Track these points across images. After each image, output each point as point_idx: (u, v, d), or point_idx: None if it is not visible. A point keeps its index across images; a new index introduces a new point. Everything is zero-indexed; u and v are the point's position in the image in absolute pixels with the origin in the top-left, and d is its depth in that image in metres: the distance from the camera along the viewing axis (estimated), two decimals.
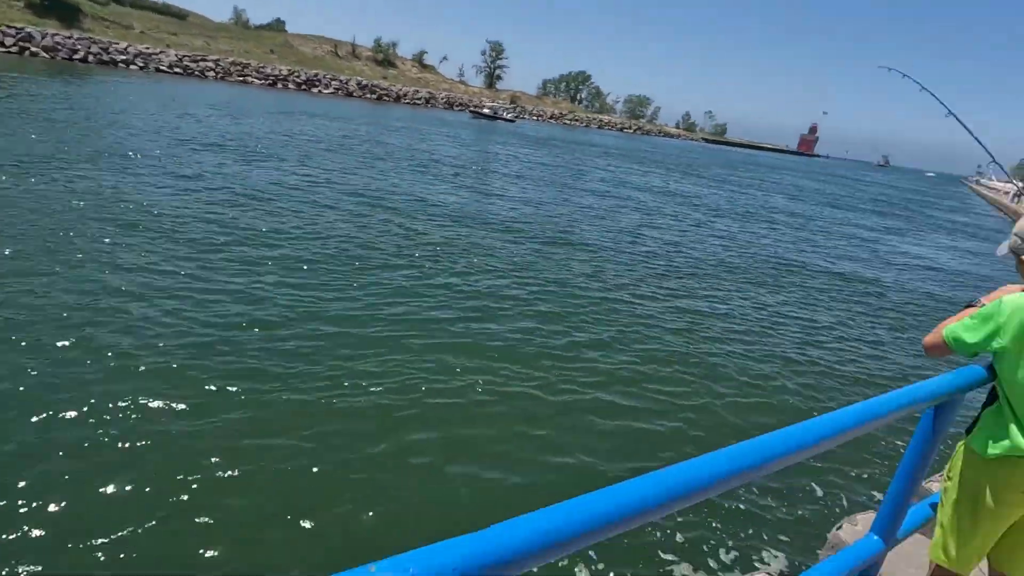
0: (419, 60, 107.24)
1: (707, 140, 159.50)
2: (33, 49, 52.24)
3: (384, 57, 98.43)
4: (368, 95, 79.82)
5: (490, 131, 56.18)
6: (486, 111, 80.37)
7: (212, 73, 65.50)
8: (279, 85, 70.88)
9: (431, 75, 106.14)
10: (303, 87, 73.27)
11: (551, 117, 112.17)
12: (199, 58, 66.55)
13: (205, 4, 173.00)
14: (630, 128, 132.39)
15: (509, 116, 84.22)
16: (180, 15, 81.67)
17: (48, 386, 4.91)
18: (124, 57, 58.24)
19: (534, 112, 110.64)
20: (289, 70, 74.85)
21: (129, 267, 7.67)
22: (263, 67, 72.22)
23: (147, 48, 62.15)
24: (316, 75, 76.74)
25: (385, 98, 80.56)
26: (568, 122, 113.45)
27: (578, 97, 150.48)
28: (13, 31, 52.72)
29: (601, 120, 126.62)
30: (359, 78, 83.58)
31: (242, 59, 72.33)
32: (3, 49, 50.62)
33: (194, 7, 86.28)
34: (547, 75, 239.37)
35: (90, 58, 55.31)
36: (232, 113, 31.38)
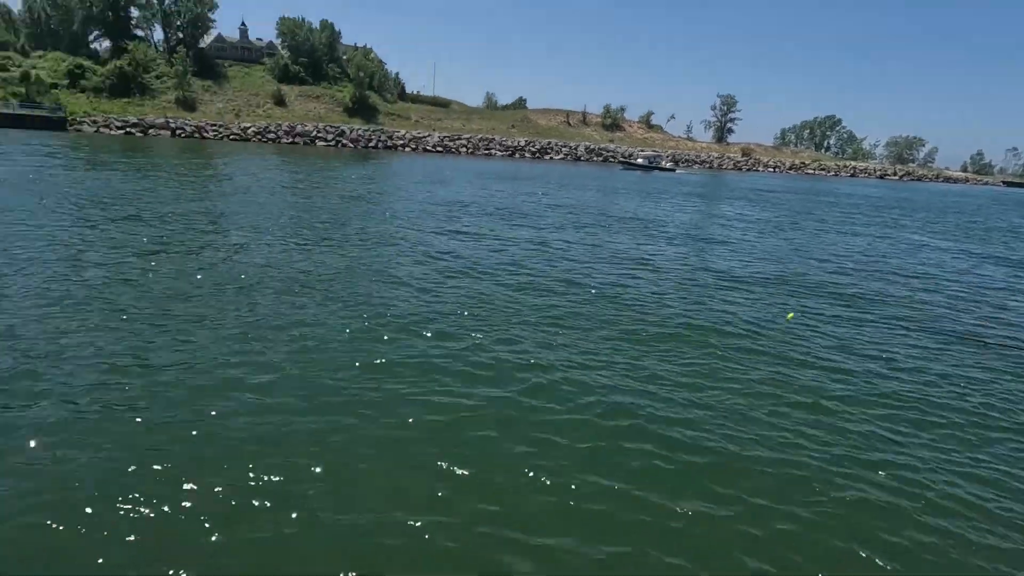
0: (646, 121, 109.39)
1: (1009, 183, 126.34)
2: (344, 141, 68.42)
3: (612, 121, 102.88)
4: (595, 158, 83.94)
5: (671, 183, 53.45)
6: (640, 161, 73.94)
7: (464, 149, 76.82)
8: (516, 155, 79.37)
9: (657, 134, 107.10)
10: (536, 155, 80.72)
11: (790, 168, 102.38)
12: (455, 138, 78.74)
13: (464, 92, 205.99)
14: (894, 174, 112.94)
15: (667, 165, 76.30)
16: (445, 104, 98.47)
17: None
18: (402, 142, 72.14)
19: (769, 164, 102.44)
20: (526, 141, 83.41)
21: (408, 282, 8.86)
22: (504, 140, 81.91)
23: (418, 133, 75.99)
24: (548, 143, 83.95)
25: (611, 160, 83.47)
26: (813, 171, 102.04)
27: (825, 144, 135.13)
28: (334, 129, 70.13)
29: (855, 167, 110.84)
30: (587, 143, 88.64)
31: (488, 135, 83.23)
32: (326, 143, 67.37)
33: (456, 96, 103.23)
34: (787, 123, 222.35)
35: (379, 145, 69.83)
36: (472, 179, 35.81)
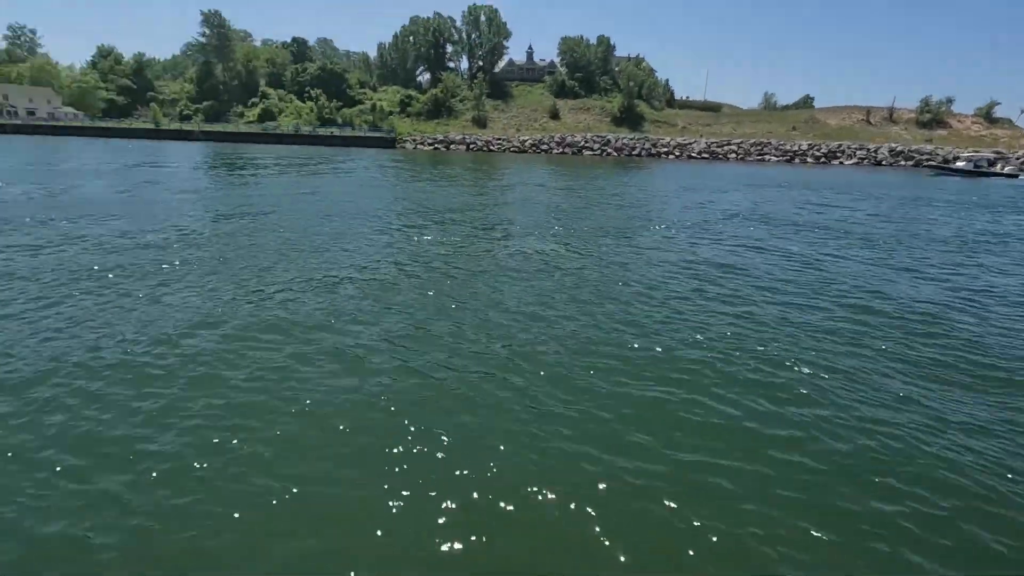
0: (985, 114, 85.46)
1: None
2: (608, 150, 70.67)
3: (932, 117, 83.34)
4: (902, 162, 69.17)
5: None
6: (960, 164, 54.40)
7: (733, 155, 71.58)
8: (796, 160, 70.49)
9: (1003, 130, 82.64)
10: (822, 160, 70.39)
11: None
12: (723, 143, 73.94)
13: (739, 95, 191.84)
14: None
15: (1008, 170, 54.84)
16: (715, 108, 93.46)
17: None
18: (666, 149, 70.97)
19: None
20: (809, 144, 73.46)
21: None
22: (781, 144, 73.57)
23: (684, 140, 73.68)
24: (838, 146, 72.36)
25: (926, 163, 67.53)
26: None
27: None
28: (600, 138, 73.08)
29: None
30: (892, 144, 73.60)
31: (762, 139, 75.89)
32: (592, 152, 70.60)
33: (730, 99, 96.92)
34: None
35: (643, 153, 70.01)
36: (738, 187, 32.99)
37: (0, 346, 6.33)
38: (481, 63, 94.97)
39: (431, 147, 73.13)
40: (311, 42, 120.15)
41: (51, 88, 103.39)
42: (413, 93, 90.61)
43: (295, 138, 76.10)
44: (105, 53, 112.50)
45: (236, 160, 42.51)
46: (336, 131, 78.53)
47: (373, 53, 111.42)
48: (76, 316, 7.35)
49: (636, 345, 7.26)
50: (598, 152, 70.67)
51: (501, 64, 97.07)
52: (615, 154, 70.02)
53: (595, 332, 7.68)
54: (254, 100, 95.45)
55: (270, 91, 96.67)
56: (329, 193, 22.59)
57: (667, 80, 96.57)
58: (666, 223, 17.60)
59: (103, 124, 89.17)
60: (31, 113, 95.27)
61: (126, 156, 42.82)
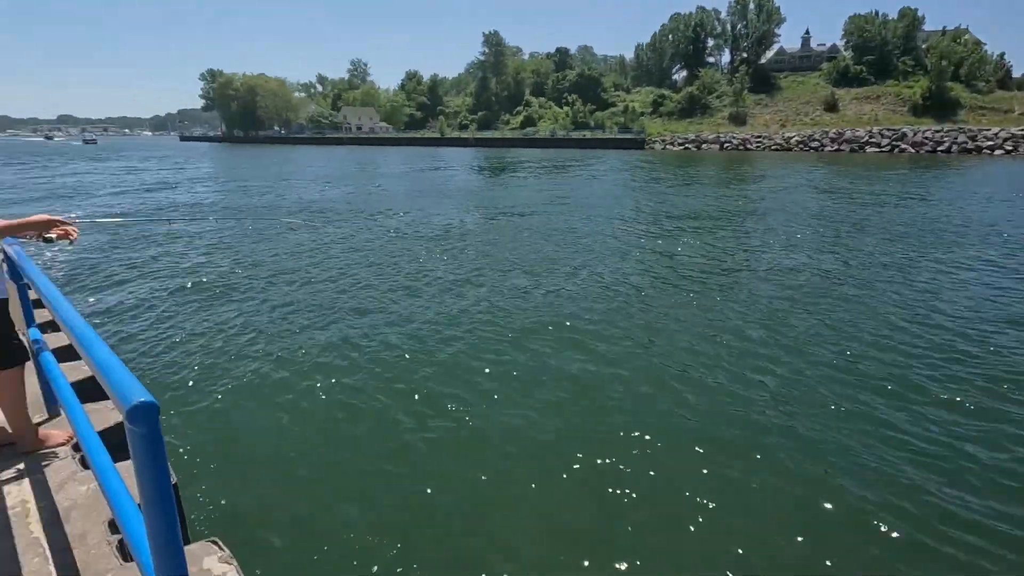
0: None
1: None
2: (902, 145, 58.19)
3: None
4: None
5: None
6: None
7: None
8: None
9: None
10: None
11: None
12: None
13: None
14: None
15: None
16: None
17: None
18: (990, 143, 55.21)
19: None
20: None
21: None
22: None
23: (1021, 130, 56.17)
24: None
25: None
26: None
27: None
28: (891, 132, 60.65)
29: None
30: None
31: None
32: (878, 149, 59.08)
33: None
34: None
35: (953, 148, 55.76)
36: None
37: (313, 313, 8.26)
38: (745, 55, 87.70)
39: (680, 147, 70.58)
40: (572, 50, 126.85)
41: (373, 108, 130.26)
42: (666, 92, 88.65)
43: (550, 142, 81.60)
44: (411, 76, 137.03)
45: (498, 163, 47.54)
46: (588, 134, 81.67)
47: (630, 55, 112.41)
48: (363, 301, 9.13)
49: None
50: (886, 149, 58.77)
51: (768, 54, 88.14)
52: (911, 150, 57.32)
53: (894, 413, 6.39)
54: (518, 108, 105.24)
55: (533, 99, 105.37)
56: (571, 193, 23.59)
57: (1001, 54, 75.10)
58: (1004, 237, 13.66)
59: (404, 135, 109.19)
60: (359, 128, 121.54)
61: (417, 161, 51.56)
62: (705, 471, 4.42)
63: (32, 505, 2.42)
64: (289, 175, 35.81)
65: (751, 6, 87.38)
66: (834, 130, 64.91)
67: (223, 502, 3.99)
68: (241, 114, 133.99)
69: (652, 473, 4.37)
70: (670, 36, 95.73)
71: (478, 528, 3.82)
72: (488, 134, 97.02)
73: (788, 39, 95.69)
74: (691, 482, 4.27)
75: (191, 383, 5.86)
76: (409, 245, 13.12)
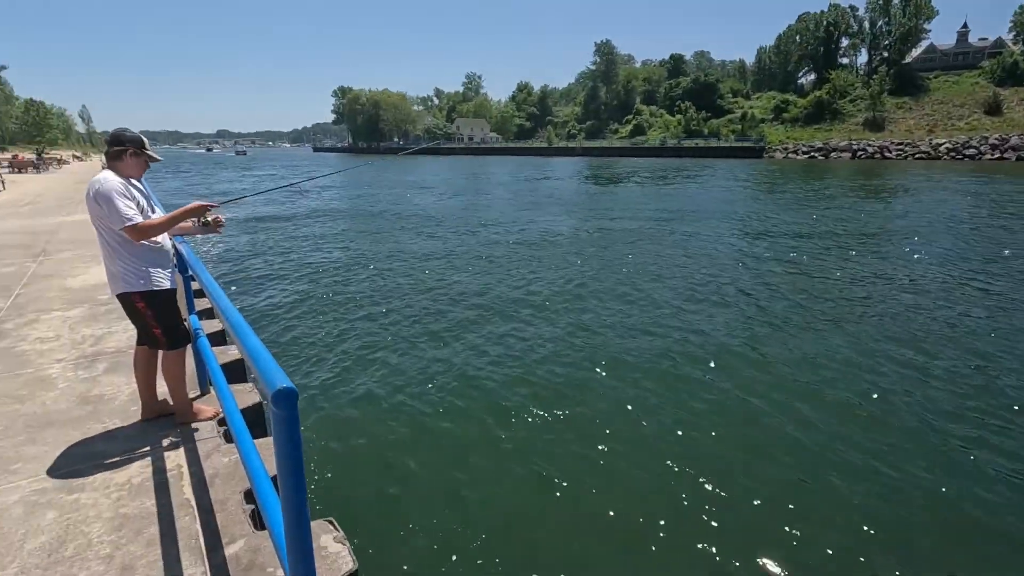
0: None
1: None
2: None
3: None
4: None
5: None
6: None
7: None
8: None
9: None
10: None
11: None
12: None
13: None
14: None
15: None
16: None
17: None
18: None
19: None
20: None
21: None
22: None
23: None
24: None
25: None
26: None
27: None
28: None
29: None
30: None
31: None
32: None
33: None
34: None
35: None
36: None
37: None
38: (886, 54, 79.43)
39: (805, 156, 65.33)
40: (687, 56, 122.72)
41: (484, 119, 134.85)
42: (790, 97, 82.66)
43: (659, 151, 79.30)
44: (522, 87, 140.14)
45: (604, 172, 47.05)
46: (701, 142, 78.33)
47: (751, 59, 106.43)
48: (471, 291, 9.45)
49: None
50: None
51: (915, 52, 79.11)
52: None
53: None
54: (628, 117, 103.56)
55: (643, 108, 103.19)
56: (676, 207, 22.71)
57: None
58: None
59: (512, 145, 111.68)
60: (471, 139, 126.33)
61: (525, 171, 52.50)
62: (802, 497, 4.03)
63: (185, 470, 2.78)
64: (407, 184, 38.04)
65: (895, 1, 79.06)
66: (996, 135, 56.58)
67: (336, 486, 4.31)
68: (366, 126, 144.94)
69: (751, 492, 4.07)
70: (797, 37, 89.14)
71: (581, 529, 3.79)
72: (596, 143, 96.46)
73: (940, 35, 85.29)
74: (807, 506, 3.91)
75: (313, 371, 6.41)
76: (515, 252, 13.37)
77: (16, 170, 33.99)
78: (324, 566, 2.08)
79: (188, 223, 3.14)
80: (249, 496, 2.54)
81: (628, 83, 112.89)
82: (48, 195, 19.22)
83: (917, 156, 58.11)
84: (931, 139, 60.79)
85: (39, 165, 37.00)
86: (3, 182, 22.13)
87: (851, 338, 7.36)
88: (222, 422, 3.22)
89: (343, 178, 46.45)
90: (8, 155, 47.95)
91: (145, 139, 2.96)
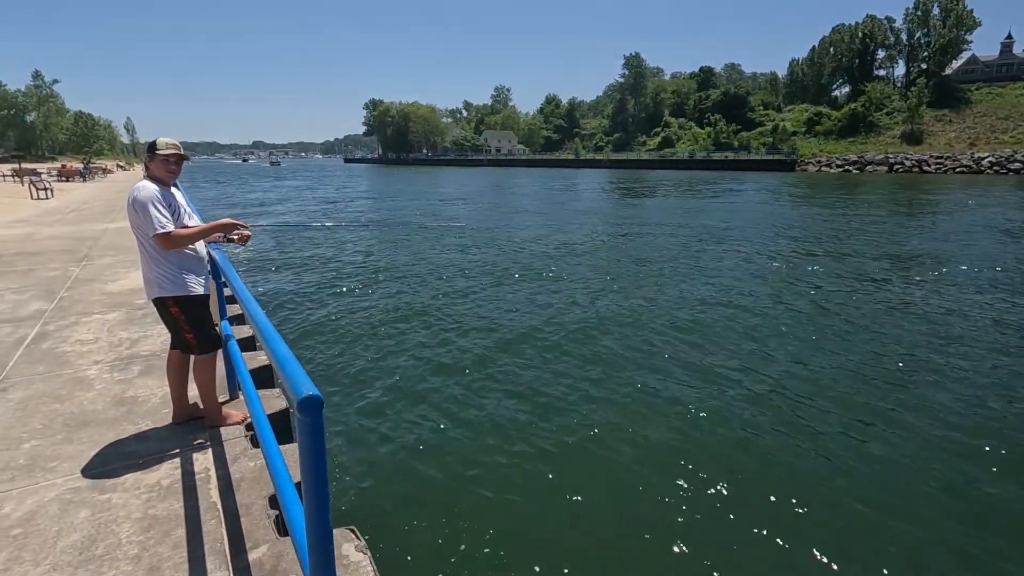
0: None
1: None
2: None
3: None
4: None
5: None
6: None
7: None
8: None
9: None
10: None
11: None
12: None
13: None
14: None
15: None
16: None
17: None
18: None
19: None
20: None
21: None
22: None
23: None
24: None
25: None
26: None
27: None
28: None
29: None
30: None
31: None
32: None
33: None
34: None
35: None
36: None
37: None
38: (925, 65, 77.45)
39: (839, 169, 63.89)
40: (717, 69, 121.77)
41: (512, 131, 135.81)
42: (824, 110, 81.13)
43: (688, 163, 78.61)
44: (549, 100, 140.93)
45: (631, 184, 46.78)
46: (730, 155, 77.34)
47: (783, 71, 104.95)
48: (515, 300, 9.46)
49: None
50: None
51: (956, 64, 76.94)
52: None
53: None
54: (656, 129, 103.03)
55: (672, 120, 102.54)
56: (700, 221, 22.39)
57: None
58: None
59: (539, 157, 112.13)
60: (498, 151, 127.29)
61: (551, 182, 52.59)
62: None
63: (212, 473, 2.82)
64: (435, 195, 38.47)
65: (935, 11, 77.15)
66: None
67: (358, 494, 4.32)
68: (396, 138, 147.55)
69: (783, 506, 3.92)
70: (831, 49, 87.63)
71: (609, 538, 3.71)
72: (623, 155, 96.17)
73: (982, 46, 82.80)
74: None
75: (337, 378, 6.47)
76: (545, 264, 13.35)
77: (64, 179, 35.54)
78: (345, 575, 2.08)
79: (216, 234, 3.22)
80: (273, 501, 2.56)
81: (657, 95, 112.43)
82: (93, 203, 20.03)
83: (957, 170, 56.27)
84: (973, 153, 58.82)
85: (85, 174, 38.63)
86: (52, 190, 23.16)
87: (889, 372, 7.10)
88: (249, 427, 3.27)
89: (370, 187, 47.22)
90: (57, 164, 50.17)
91: (161, 140, 2.99)
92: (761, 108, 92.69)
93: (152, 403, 3.57)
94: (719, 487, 4.38)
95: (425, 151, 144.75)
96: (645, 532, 3.87)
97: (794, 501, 4.21)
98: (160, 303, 3.01)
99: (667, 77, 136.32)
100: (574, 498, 4.22)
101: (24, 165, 39.17)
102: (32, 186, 22.72)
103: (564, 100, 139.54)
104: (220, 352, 3.39)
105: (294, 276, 12.13)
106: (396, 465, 4.73)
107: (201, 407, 3.28)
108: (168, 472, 2.79)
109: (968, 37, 75.19)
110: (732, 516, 4.05)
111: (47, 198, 21.61)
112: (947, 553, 3.71)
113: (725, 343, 7.64)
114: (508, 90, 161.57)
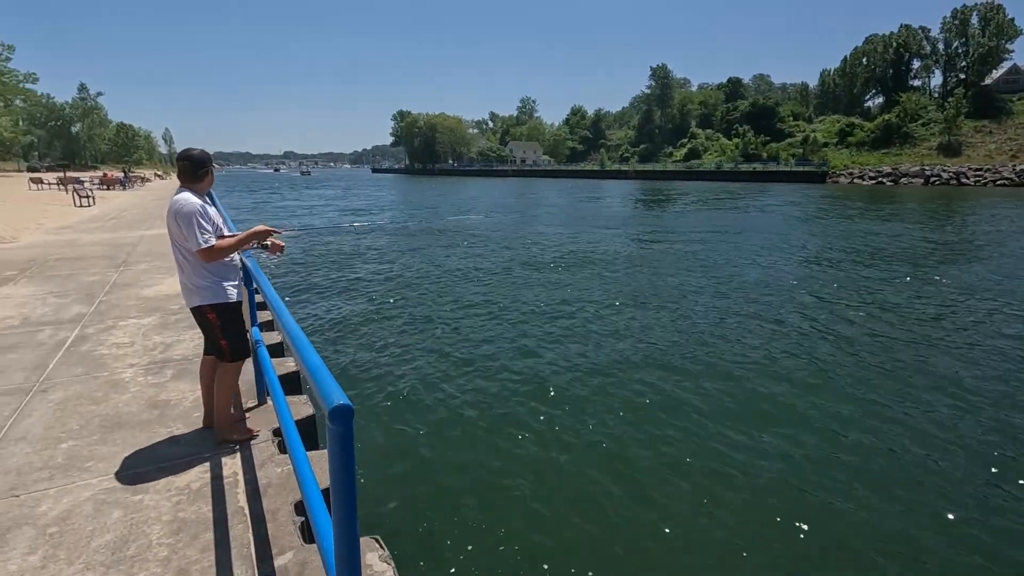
0: None
1: None
2: None
3: None
4: None
5: None
6: None
7: None
8: None
9: None
10: None
11: None
12: None
13: None
14: None
15: None
16: None
17: None
18: None
19: None
20: None
21: None
22: None
23: None
24: None
25: None
26: None
27: None
28: None
29: None
30: None
31: None
32: None
33: None
34: None
35: None
36: None
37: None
38: (963, 75, 75.34)
39: (872, 181, 62.28)
40: (746, 80, 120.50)
41: (537, 142, 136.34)
42: (856, 121, 79.45)
43: (715, 175, 77.68)
44: (575, 111, 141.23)
45: (656, 196, 46.42)
46: (759, 166, 76.20)
47: (814, 82, 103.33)
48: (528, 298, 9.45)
49: None
50: None
51: (996, 74, 74.64)
52: None
53: None
54: (683, 140, 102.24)
55: (699, 131, 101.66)
56: (725, 230, 22.04)
57: None
58: None
59: (564, 168, 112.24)
60: (523, 161, 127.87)
61: (576, 193, 52.53)
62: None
63: (240, 477, 2.85)
64: (461, 204, 38.76)
65: (973, 21, 75.13)
66: None
67: (383, 503, 4.32)
68: (422, 149, 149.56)
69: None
70: (864, 59, 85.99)
71: (641, 549, 3.64)
72: (649, 166, 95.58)
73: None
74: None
75: (364, 386, 6.52)
76: (572, 273, 13.30)
77: (106, 187, 36.92)
78: None
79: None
80: (299, 508, 2.58)
81: (683, 106, 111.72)
82: (132, 210, 20.73)
83: (998, 183, 54.31)
84: (1015, 164, 56.82)
85: (125, 183, 40.08)
86: (94, 198, 24.07)
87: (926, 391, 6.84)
88: (277, 432, 3.31)
89: (397, 197, 47.85)
90: (99, 173, 52.19)
91: (195, 152, 3.10)
92: (791, 119, 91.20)
93: (184, 406, 3.64)
94: (755, 495, 4.26)
95: (451, 161, 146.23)
96: (681, 547, 3.78)
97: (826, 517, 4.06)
98: (198, 311, 3.08)
99: (694, 88, 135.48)
100: (603, 512, 4.16)
101: (68, 174, 40.84)
102: (76, 194, 23.65)
103: (590, 111, 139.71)
104: (248, 361, 3.44)
105: (324, 282, 12.32)
106: (422, 475, 4.73)
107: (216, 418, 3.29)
108: (198, 475, 2.84)
109: (1009, 46, 73.04)
110: (754, 523, 3.93)
111: (89, 206, 22.46)
112: (958, 555, 3.53)
113: (753, 352, 7.47)
114: (534, 101, 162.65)
